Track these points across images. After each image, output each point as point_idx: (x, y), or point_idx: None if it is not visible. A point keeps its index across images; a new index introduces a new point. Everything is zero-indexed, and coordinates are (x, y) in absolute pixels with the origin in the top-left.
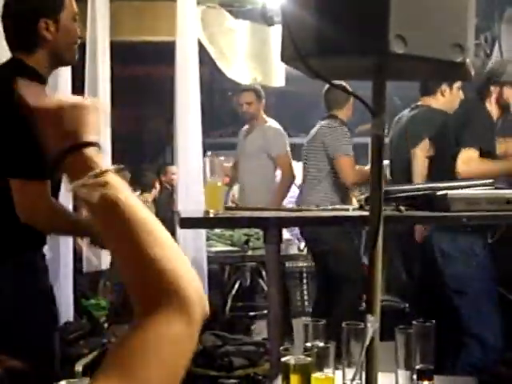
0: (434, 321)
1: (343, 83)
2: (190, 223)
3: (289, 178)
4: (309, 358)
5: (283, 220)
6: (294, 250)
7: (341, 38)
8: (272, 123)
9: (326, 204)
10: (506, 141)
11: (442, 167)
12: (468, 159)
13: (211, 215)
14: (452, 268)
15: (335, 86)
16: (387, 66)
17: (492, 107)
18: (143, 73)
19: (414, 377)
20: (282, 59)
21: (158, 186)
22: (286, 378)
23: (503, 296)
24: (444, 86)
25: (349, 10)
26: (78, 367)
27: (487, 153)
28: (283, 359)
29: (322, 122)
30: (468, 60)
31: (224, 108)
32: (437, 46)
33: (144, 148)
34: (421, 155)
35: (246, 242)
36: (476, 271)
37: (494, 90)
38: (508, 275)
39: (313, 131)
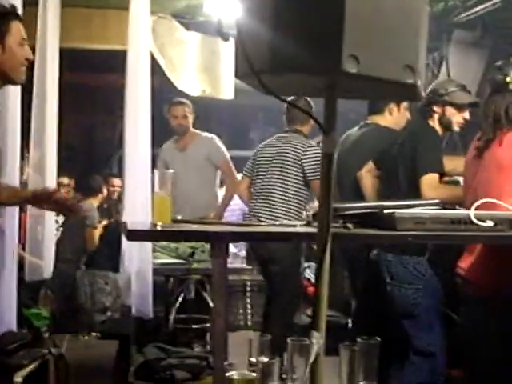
0: (378, 338)
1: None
2: (137, 236)
3: (235, 183)
4: (253, 374)
5: (231, 234)
6: (238, 264)
7: (294, 55)
8: (206, 134)
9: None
10: (453, 159)
11: (390, 187)
12: (434, 185)
13: (159, 228)
14: (401, 293)
15: (287, 102)
16: (339, 85)
17: (435, 126)
18: (93, 81)
19: None
20: (236, 74)
21: (105, 191)
22: None
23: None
24: (392, 105)
25: (303, 28)
26: (18, 378)
27: (441, 174)
28: (227, 374)
29: (288, 135)
30: (419, 82)
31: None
32: (389, 67)
33: (92, 157)
34: (367, 176)
35: (192, 254)
36: (424, 292)
37: (436, 109)
38: (447, 293)
39: (277, 143)
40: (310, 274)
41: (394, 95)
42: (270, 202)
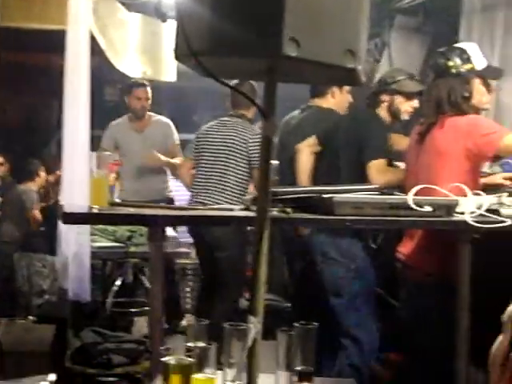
0: (315, 323)
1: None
2: (72, 219)
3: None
4: (190, 359)
5: (168, 218)
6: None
7: (234, 37)
8: (161, 117)
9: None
10: (397, 136)
11: (329, 166)
12: (382, 169)
13: (95, 211)
14: (331, 270)
15: (226, 85)
16: (279, 68)
17: (384, 115)
18: (33, 61)
19: (295, 378)
20: (175, 56)
21: (42, 174)
22: (166, 379)
23: (383, 298)
24: (334, 88)
25: (243, 10)
26: None
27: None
28: (163, 359)
29: (233, 120)
30: (359, 66)
31: (114, 101)
32: (329, 51)
33: (30, 139)
34: (306, 150)
35: (129, 238)
36: (355, 274)
37: (385, 98)
38: (388, 278)
39: (221, 128)
40: None
41: (335, 79)
42: (218, 187)
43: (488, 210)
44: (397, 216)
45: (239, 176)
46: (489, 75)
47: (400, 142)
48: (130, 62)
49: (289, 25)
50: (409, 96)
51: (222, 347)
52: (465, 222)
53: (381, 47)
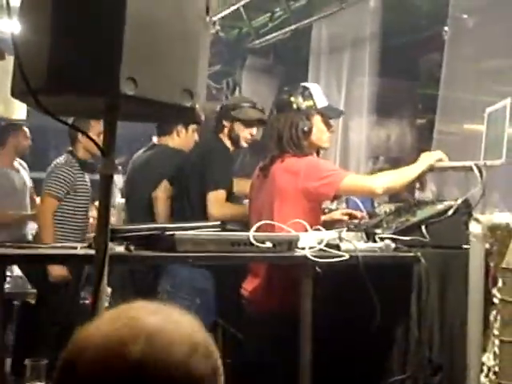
0: None
1: None
2: None
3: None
4: None
5: (4, 257)
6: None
7: (72, 75)
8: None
9: None
10: (242, 180)
11: (183, 206)
12: (219, 202)
13: None
14: (176, 301)
15: (65, 123)
16: (118, 107)
17: (226, 140)
18: None
19: None
20: (12, 93)
21: None
22: None
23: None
24: (180, 127)
25: (82, 49)
26: None
27: (229, 191)
28: None
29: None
30: (198, 105)
31: None
32: (167, 91)
33: None
34: (162, 197)
35: None
36: (199, 307)
37: (226, 124)
38: (227, 307)
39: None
40: None
41: (174, 118)
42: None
43: (328, 245)
44: (238, 252)
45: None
46: (328, 113)
47: (245, 186)
48: None
49: (126, 64)
50: (248, 123)
51: None
52: (304, 257)
53: (232, 87)
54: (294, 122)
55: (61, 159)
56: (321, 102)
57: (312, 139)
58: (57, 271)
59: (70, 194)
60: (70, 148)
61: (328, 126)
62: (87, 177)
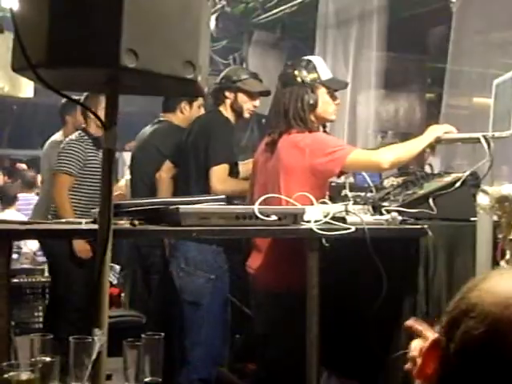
0: (162, 333)
1: None
2: None
3: None
4: (32, 374)
5: (11, 232)
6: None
7: (72, 49)
8: None
9: None
10: (246, 163)
11: (186, 182)
12: (222, 177)
13: None
14: (192, 278)
15: (67, 97)
16: (119, 80)
17: (228, 112)
18: None
19: None
20: (13, 68)
21: None
22: None
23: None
24: (184, 103)
25: (82, 22)
26: None
27: (231, 165)
28: (6, 375)
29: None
30: (200, 77)
31: None
32: (168, 63)
33: None
34: (165, 177)
35: None
36: (214, 284)
37: (229, 95)
38: (239, 284)
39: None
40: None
41: (176, 91)
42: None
43: (335, 218)
44: (243, 225)
45: None
46: (333, 85)
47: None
48: None
49: (127, 36)
50: (252, 95)
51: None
52: (310, 230)
53: (239, 62)
54: (299, 96)
55: (72, 136)
56: (325, 74)
57: (318, 112)
58: (81, 246)
59: (82, 170)
60: (84, 125)
61: (333, 97)
62: (100, 153)
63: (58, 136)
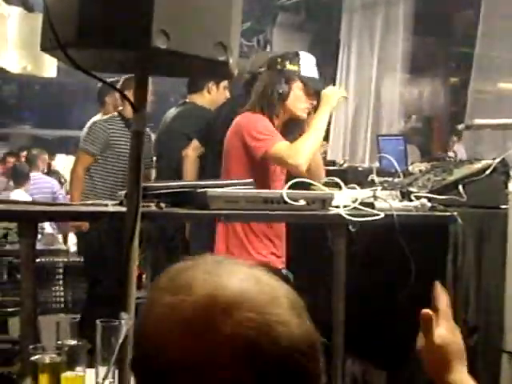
0: None
1: None
2: None
3: None
4: (59, 357)
5: (38, 214)
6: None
7: (102, 28)
8: None
9: None
10: None
11: (214, 163)
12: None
13: None
14: None
15: (97, 78)
16: (150, 61)
17: None
18: None
19: None
20: (42, 47)
21: None
22: (35, 378)
23: None
24: (211, 84)
25: (113, 2)
26: None
27: None
28: (32, 358)
29: None
30: (231, 59)
31: None
32: (200, 44)
33: None
34: (192, 155)
35: (5, 235)
36: None
37: None
38: None
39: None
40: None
41: (207, 72)
42: None
43: (363, 204)
44: (271, 210)
45: None
46: (310, 83)
47: None
48: (9, 57)
49: (158, 17)
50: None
51: (95, 344)
52: (339, 215)
53: (263, 44)
54: (271, 81)
55: (104, 117)
56: (307, 71)
57: (287, 104)
58: None
59: (106, 152)
60: (121, 107)
61: (310, 96)
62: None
63: (98, 117)
